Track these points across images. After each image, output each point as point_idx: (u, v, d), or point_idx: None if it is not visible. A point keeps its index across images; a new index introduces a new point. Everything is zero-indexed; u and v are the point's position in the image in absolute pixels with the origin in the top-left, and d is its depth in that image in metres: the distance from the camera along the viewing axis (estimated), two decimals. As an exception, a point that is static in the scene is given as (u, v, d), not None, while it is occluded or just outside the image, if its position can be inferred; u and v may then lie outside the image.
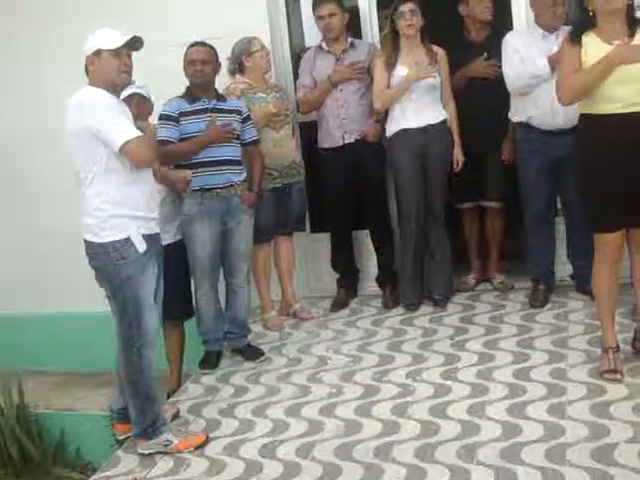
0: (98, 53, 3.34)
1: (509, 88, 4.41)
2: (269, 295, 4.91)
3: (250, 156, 4.45)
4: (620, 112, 3.33)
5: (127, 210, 3.36)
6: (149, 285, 3.41)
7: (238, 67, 4.70)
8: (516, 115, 4.52)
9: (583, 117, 3.50)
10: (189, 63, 4.27)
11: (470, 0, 4.79)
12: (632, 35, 3.37)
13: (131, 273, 3.36)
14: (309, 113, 5.01)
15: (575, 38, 3.41)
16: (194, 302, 4.39)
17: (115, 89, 3.39)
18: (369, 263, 5.17)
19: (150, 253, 3.41)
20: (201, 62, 4.26)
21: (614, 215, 3.43)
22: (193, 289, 4.39)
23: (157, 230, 3.51)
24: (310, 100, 4.89)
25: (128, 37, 3.33)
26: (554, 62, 4.09)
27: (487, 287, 5.03)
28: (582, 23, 3.45)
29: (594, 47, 3.37)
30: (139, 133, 3.30)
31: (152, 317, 3.44)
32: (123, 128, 3.26)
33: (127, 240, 3.35)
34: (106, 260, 3.36)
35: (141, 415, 3.47)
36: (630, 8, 3.43)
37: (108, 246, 3.34)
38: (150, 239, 3.43)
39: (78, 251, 3.51)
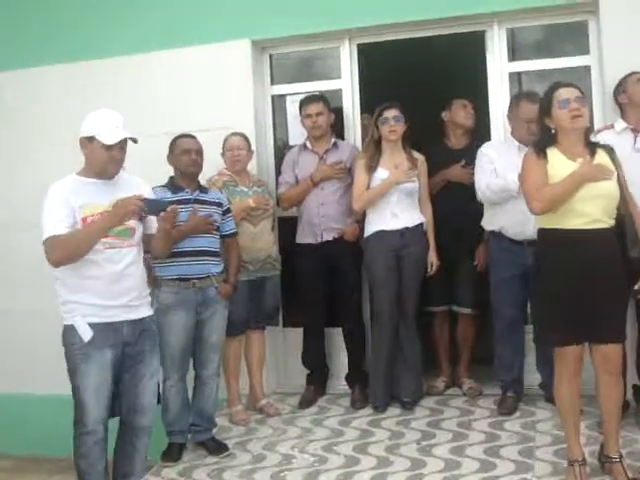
0: (91, 139, 3.42)
1: (479, 197, 4.54)
2: (237, 388, 4.86)
3: (228, 248, 4.49)
4: (584, 228, 3.45)
5: (78, 296, 3.41)
6: (93, 377, 3.41)
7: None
8: (488, 223, 4.64)
9: (543, 231, 3.60)
10: (183, 152, 4.35)
11: (453, 106, 5.00)
12: (592, 155, 3.54)
13: (75, 361, 3.41)
14: (290, 209, 5.08)
15: (541, 152, 3.56)
16: (161, 392, 4.32)
17: (102, 176, 3.46)
18: (339, 361, 5.16)
19: (98, 343, 3.39)
20: (196, 152, 4.36)
21: (570, 329, 3.49)
22: (161, 379, 4.33)
23: (121, 318, 3.47)
24: (291, 197, 4.98)
25: (122, 137, 3.40)
26: None
27: (456, 392, 5.03)
28: (546, 141, 3.61)
29: (559, 162, 3.52)
30: (59, 232, 3.30)
31: (93, 409, 3.43)
32: (50, 224, 3.32)
33: (72, 327, 3.40)
34: (63, 343, 3.47)
35: None
36: (588, 130, 3.66)
37: (64, 330, 3.45)
38: (105, 328, 3.41)
39: (37, 333, 3.51)
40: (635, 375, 4.34)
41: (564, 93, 3.53)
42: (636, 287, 3.54)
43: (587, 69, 4.90)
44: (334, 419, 4.71)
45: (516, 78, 5.22)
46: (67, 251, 3.32)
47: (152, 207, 3.43)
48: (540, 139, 3.69)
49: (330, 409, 4.90)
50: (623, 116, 4.40)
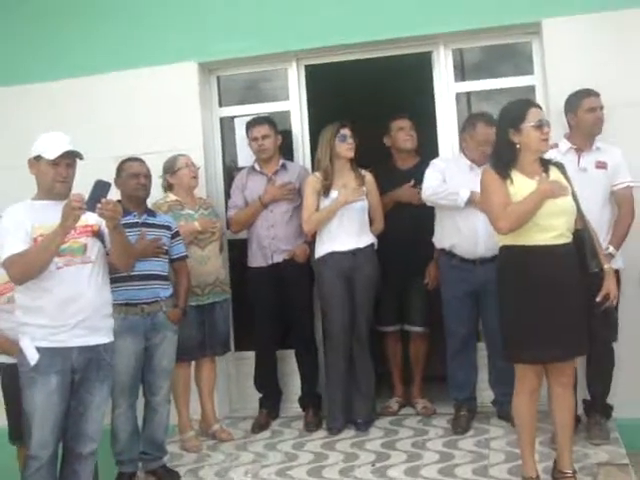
0: (38, 158, 3.42)
1: (423, 196, 4.53)
2: (188, 414, 4.77)
3: (177, 272, 4.43)
4: (549, 243, 3.49)
5: (30, 318, 3.37)
6: (37, 402, 3.35)
7: (166, 184, 4.76)
8: (439, 241, 4.66)
9: (507, 248, 3.63)
10: (131, 176, 4.30)
11: (392, 130, 5.03)
12: (546, 172, 3.59)
13: (23, 384, 3.36)
14: (240, 232, 5.04)
15: (503, 172, 3.59)
16: (110, 420, 4.23)
17: (52, 196, 3.43)
18: (293, 383, 5.12)
19: (44, 369, 3.33)
20: (144, 176, 4.32)
21: (534, 347, 3.51)
22: (110, 407, 4.23)
23: (71, 344, 3.39)
24: (240, 219, 4.94)
25: (65, 149, 3.38)
26: (476, 200, 4.23)
27: (410, 411, 5.03)
28: (507, 158, 3.64)
29: (520, 181, 3.56)
30: (17, 250, 3.29)
31: (37, 433, 3.36)
32: (8, 244, 3.31)
33: (20, 349, 3.36)
34: (17, 364, 3.44)
35: None
36: None
37: (18, 351, 3.41)
38: (52, 353, 3.35)
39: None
40: (586, 390, 4.39)
41: (538, 114, 3.58)
42: (598, 299, 3.57)
43: (531, 89, 4.98)
44: (288, 443, 4.65)
45: (463, 97, 5.29)
46: (24, 266, 3.31)
47: (92, 194, 3.31)
48: (500, 156, 3.69)
49: (283, 433, 4.84)
50: (569, 135, 4.47)
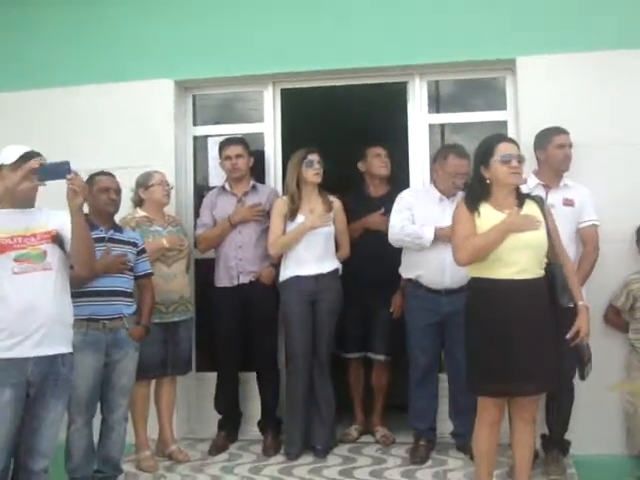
0: (1, 168, 3.39)
1: (390, 238, 4.55)
2: (145, 433, 4.70)
3: (141, 289, 4.39)
4: (512, 278, 3.51)
5: None
6: None
7: (137, 199, 4.73)
8: (406, 271, 4.67)
9: (474, 280, 3.66)
10: (102, 190, 4.27)
11: (368, 156, 5.06)
12: (521, 206, 3.62)
13: None
14: (207, 251, 5.02)
15: (472, 206, 3.62)
16: (65, 436, 4.15)
17: (18, 204, 3.40)
18: (253, 406, 5.07)
19: None
20: (115, 191, 4.30)
21: (494, 380, 3.53)
22: (66, 423, 4.16)
23: (26, 354, 3.31)
24: (208, 238, 4.92)
25: (23, 151, 3.37)
26: (442, 235, 4.28)
27: (370, 439, 5.01)
28: (478, 192, 3.67)
29: (488, 214, 3.59)
30: None
31: None
32: None
33: None
34: None
35: None
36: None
37: None
38: (6, 364, 3.28)
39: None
40: (544, 424, 4.41)
41: (506, 148, 3.62)
42: (568, 336, 3.60)
43: (504, 124, 5.05)
44: (245, 466, 4.60)
45: (436, 129, 5.35)
46: None
47: (50, 170, 3.26)
48: (472, 190, 3.74)
49: (241, 456, 4.79)
50: (537, 171, 4.53)
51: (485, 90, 5.32)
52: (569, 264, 3.73)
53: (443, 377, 4.73)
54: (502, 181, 3.61)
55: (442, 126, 5.45)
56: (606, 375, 4.39)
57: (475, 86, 5.31)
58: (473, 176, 3.76)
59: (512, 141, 3.74)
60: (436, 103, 5.37)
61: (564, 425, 4.40)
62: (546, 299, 3.57)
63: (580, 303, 3.66)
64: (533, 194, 3.85)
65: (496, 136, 3.78)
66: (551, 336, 3.56)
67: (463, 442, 4.47)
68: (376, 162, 5.05)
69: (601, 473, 4.41)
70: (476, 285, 3.67)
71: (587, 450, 4.49)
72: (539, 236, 3.56)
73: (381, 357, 4.96)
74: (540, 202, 3.73)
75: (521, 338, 3.50)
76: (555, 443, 4.39)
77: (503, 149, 3.60)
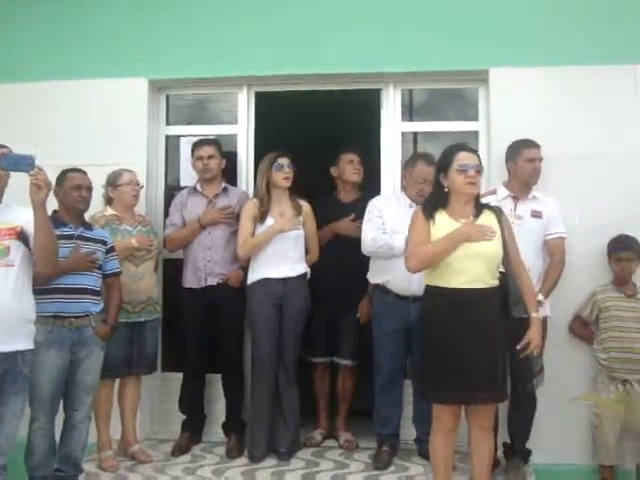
0: None
1: (363, 249, 4.58)
2: (108, 433, 4.67)
3: (109, 288, 4.36)
4: (463, 287, 3.54)
5: None
6: None
7: (107, 197, 4.71)
8: (374, 277, 4.69)
9: (428, 288, 3.69)
10: (74, 188, 4.23)
11: (341, 162, 5.07)
12: (477, 216, 3.66)
13: None
14: (176, 251, 5.01)
15: (428, 213, 3.66)
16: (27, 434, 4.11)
17: None
18: (218, 408, 5.06)
19: None
20: (86, 188, 4.27)
21: (443, 388, 3.56)
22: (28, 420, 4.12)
23: None
24: (177, 238, 4.90)
25: None
26: None
27: (333, 444, 5.01)
28: (436, 200, 3.71)
29: (443, 222, 3.63)
30: None
31: None
32: None
33: None
34: None
35: None
36: (478, 194, 3.81)
37: None
38: None
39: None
40: (506, 433, 4.46)
41: (464, 158, 3.65)
42: (518, 347, 3.63)
43: (475, 134, 5.10)
44: (207, 468, 4.58)
45: (409, 137, 5.38)
46: None
47: (13, 161, 3.24)
48: (431, 198, 3.78)
49: (204, 458, 4.77)
50: (507, 183, 4.58)
51: (458, 100, 5.37)
52: (524, 275, 3.75)
53: (408, 383, 4.76)
54: (458, 190, 3.65)
55: (415, 134, 5.48)
56: (571, 386, 4.47)
57: (448, 96, 5.36)
58: (434, 183, 3.79)
59: (472, 151, 3.76)
60: (410, 111, 5.41)
61: (525, 434, 4.45)
62: (498, 309, 3.60)
63: (533, 315, 3.68)
64: (492, 204, 3.88)
65: (457, 145, 3.80)
66: (502, 346, 3.60)
67: (425, 448, 4.47)
68: (349, 168, 5.07)
69: (560, 482, 4.49)
70: (429, 292, 3.70)
71: (549, 459, 4.56)
72: (492, 246, 3.59)
73: (347, 362, 4.98)
74: (498, 213, 3.77)
75: (472, 347, 3.53)
76: (516, 452, 4.43)
77: (462, 158, 3.64)
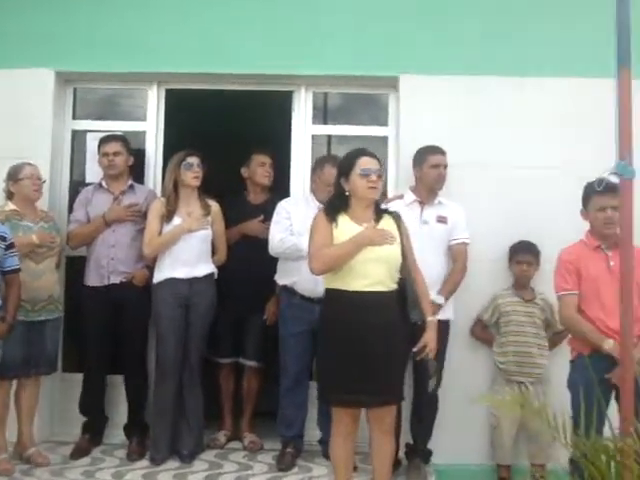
0: None
1: (270, 249, 4.58)
2: (4, 436, 4.49)
3: (7, 285, 4.21)
4: (364, 290, 3.58)
5: None
6: None
7: (8, 191, 4.57)
8: (281, 278, 4.70)
9: (327, 291, 3.72)
10: None
11: (252, 163, 5.06)
12: (378, 220, 3.71)
13: None
14: (78, 248, 4.89)
15: (331, 214, 3.69)
16: None
17: None
18: (119, 410, 4.96)
19: None
20: None
21: (340, 390, 3.59)
22: None
23: None
24: (81, 235, 4.80)
25: None
26: None
27: (237, 445, 4.99)
28: (337, 203, 3.74)
29: (346, 226, 3.66)
30: None
31: None
32: None
33: None
34: None
35: None
36: (379, 199, 3.85)
37: None
38: None
39: None
40: (409, 434, 4.53)
41: (366, 163, 3.68)
42: (415, 349, 3.69)
43: (385, 139, 5.16)
44: (107, 471, 4.47)
45: (320, 139, 5.41)
46: None
47: None
48: (331, 201, 3.81)
49: (104, 460, 4.66)
50: (414, 188, 4.65)
51: (369, 105, 5.43)
52: (420, 280, 3.81)
53: (313, 385, 4.76)
54: (360, 194, 3.69)
55: (329, 137, 5.52)
56: (471, 387, 4.57)
57: (360, 100, 5.41)
58: (335, 187, 3.82)
59: (373, 156, 3.79)
60: (324, 114, 5.44)
61: (427, 435, 4.54)
62: (398, 312, 3.66)
63: (429, 319, 3.74)
64: (391, 210, 3.93)
65: (358, 150, 3.82)
66: (400, 349, 3.65)
67: (328, 450, 4.51)
68: (260, 170, 5.06)
69: (459, 481, 4.58)
70: (329, 295, 3.73)
71: (450, 459, 4.65)
72: (393, 251, 3.64)
73: (252, 363, 4.97)
74: (397, 218, 3.82)
75: (369, 349, 3.56)
76: (418, 452, 4.51)
77: (363, 163, 3.68)
